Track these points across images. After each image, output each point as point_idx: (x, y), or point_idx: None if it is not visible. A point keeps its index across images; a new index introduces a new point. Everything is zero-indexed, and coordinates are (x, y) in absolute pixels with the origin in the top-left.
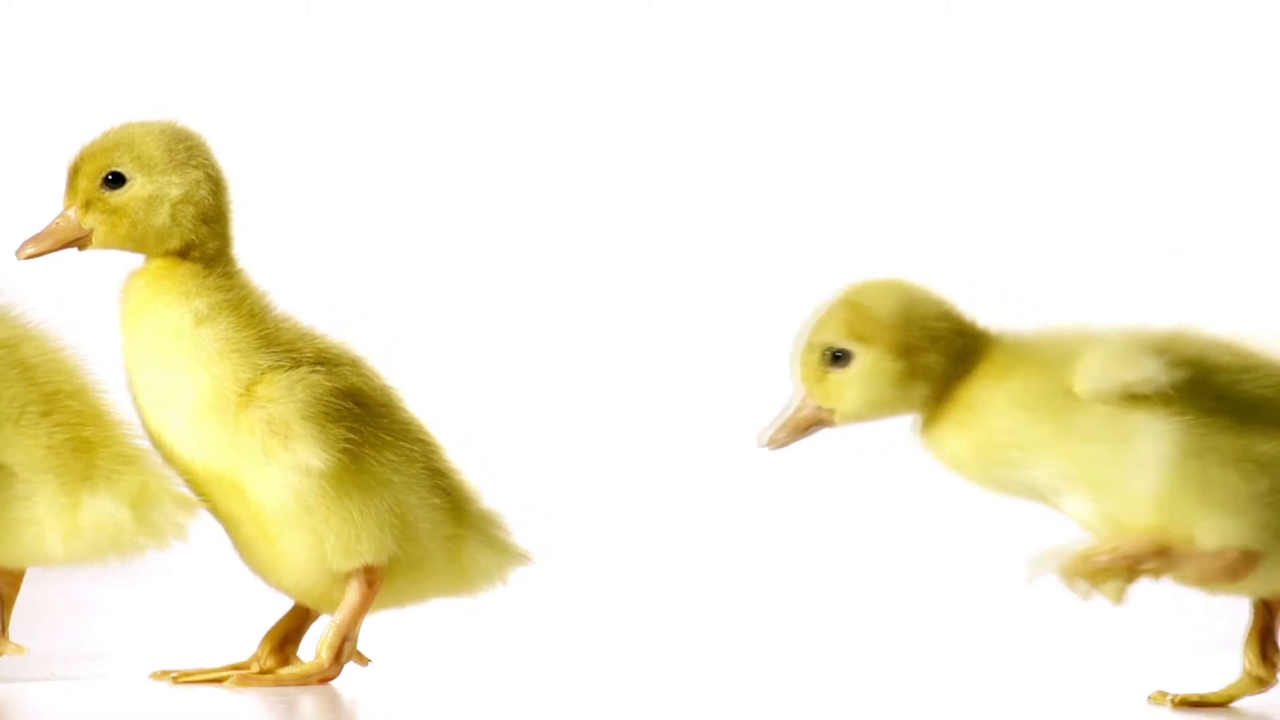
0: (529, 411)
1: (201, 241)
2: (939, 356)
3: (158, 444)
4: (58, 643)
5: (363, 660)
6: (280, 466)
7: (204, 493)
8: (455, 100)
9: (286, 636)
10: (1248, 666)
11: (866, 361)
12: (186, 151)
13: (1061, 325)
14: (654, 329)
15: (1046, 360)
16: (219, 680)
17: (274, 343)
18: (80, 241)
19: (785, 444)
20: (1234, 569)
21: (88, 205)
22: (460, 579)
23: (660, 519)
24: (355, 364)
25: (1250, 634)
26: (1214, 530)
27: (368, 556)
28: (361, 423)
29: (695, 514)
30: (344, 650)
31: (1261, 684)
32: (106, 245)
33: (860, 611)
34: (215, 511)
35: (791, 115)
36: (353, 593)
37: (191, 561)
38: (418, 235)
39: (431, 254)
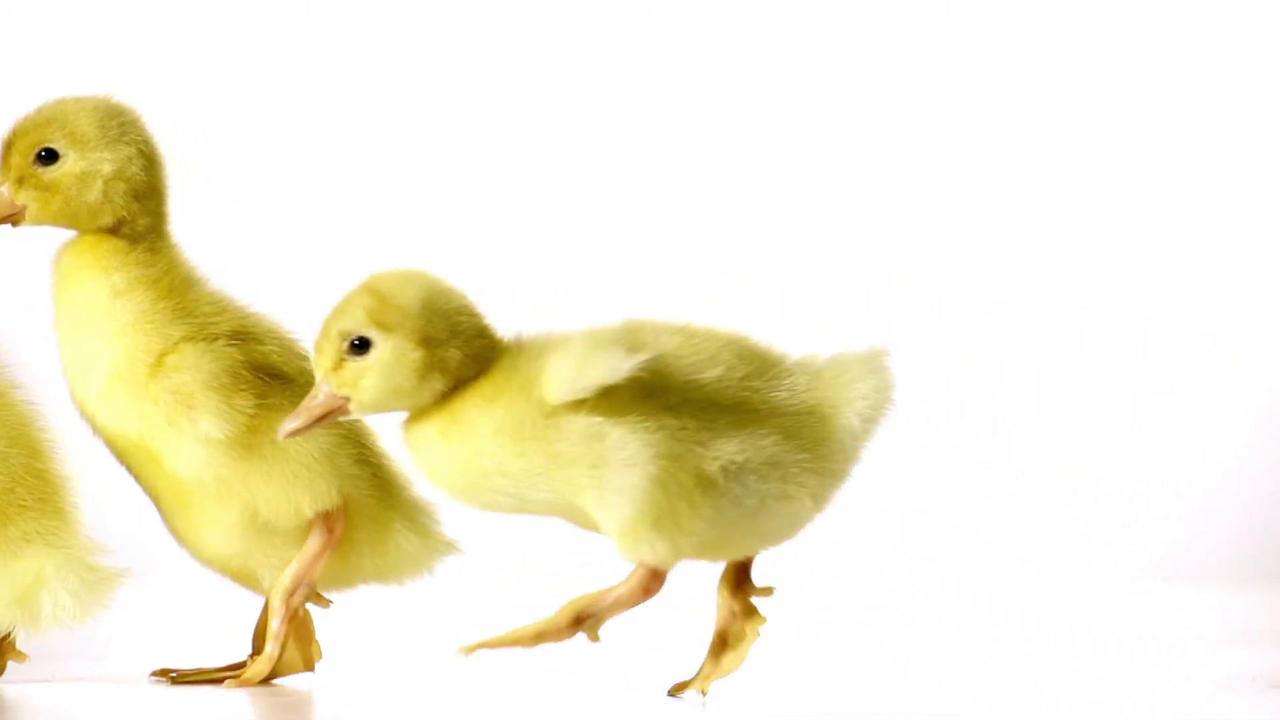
0: None
1: (133, 217)
2: (458, 352)
3: (82, 413)
4: (58, 642)
5: (323, 602)
6: (184, 436)
7: (126, 462)
8: (425, 92)
9: None
10: None
11: (387, 350)
12: (119, 128)
13: (542, 338)
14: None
15: (527, 382)
16: (217, 680)
17: (192, 315)
18: (13, 218)
19: (299, 433)
20: (648, 589)
21: (20, 182)
22: (387, 565)
23: None
24: (280, 340)
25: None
26: (660, 550)
27: (308, 507)
28: (275, 393)
29: None
30: (297, 593)
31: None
32: (39, 222)
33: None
34: (139, 481)
35: (783, 115)
36: (312, 539)
37: (191, 561)
38: (372, 226)
39: (390, 243)
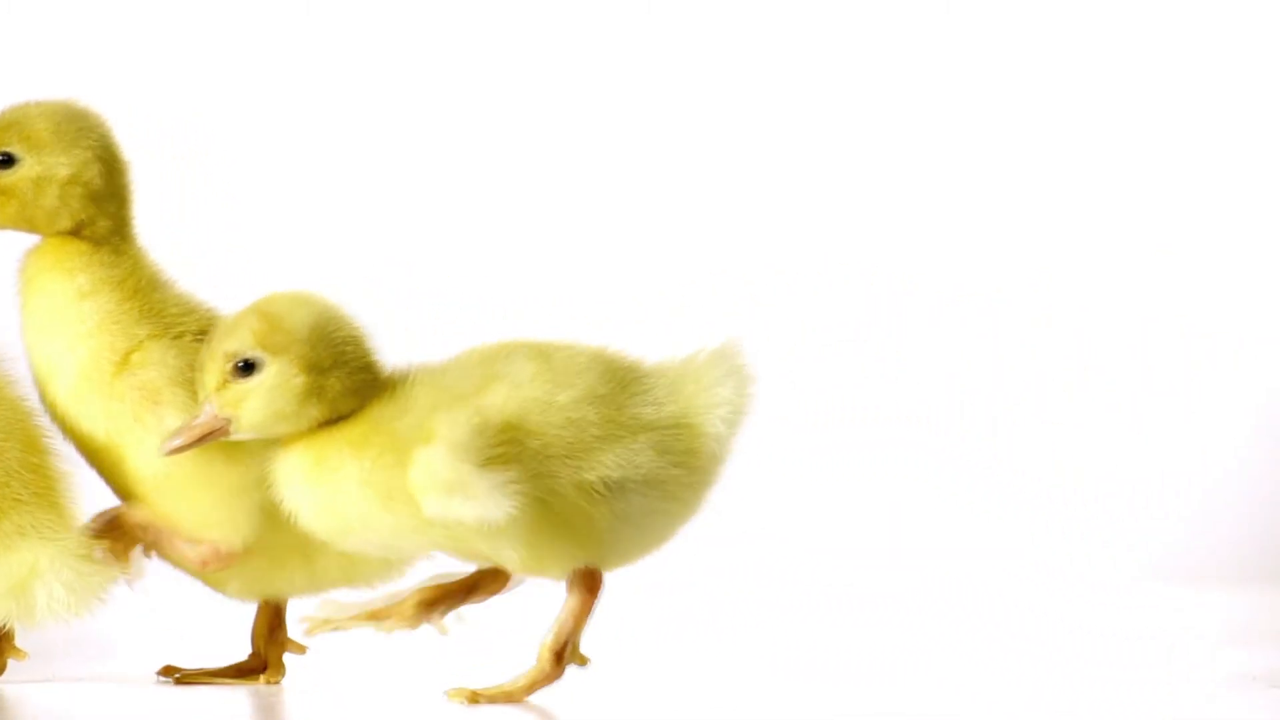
0: None
1: (92, 220)
2: (339, 382)
3: (52, 417)
4: (59, 640)
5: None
6: (151, 433)
7: (97, 466)
8: (426, 91)
9: (272, 626)
10: None
11: (272, 373)
12: (76, 132)
13: (406, 387)
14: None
15: (394, 440)
16: (222, 680)
17: (159, 315)
18: None
19: (180, 451)
20: (592, 589)
21: None
22: (354, 568)
23: None
24: None
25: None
26: (576, 553)
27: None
28: None
29: None
30: (141, 517)
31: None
32: None
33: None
34: (111, 485)
35: (781, 115)
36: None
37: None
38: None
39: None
